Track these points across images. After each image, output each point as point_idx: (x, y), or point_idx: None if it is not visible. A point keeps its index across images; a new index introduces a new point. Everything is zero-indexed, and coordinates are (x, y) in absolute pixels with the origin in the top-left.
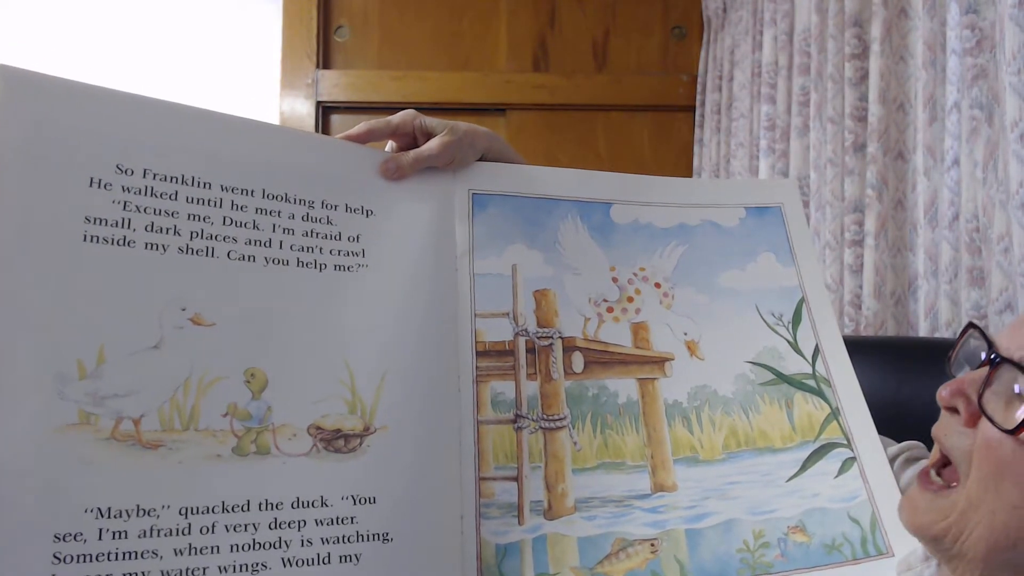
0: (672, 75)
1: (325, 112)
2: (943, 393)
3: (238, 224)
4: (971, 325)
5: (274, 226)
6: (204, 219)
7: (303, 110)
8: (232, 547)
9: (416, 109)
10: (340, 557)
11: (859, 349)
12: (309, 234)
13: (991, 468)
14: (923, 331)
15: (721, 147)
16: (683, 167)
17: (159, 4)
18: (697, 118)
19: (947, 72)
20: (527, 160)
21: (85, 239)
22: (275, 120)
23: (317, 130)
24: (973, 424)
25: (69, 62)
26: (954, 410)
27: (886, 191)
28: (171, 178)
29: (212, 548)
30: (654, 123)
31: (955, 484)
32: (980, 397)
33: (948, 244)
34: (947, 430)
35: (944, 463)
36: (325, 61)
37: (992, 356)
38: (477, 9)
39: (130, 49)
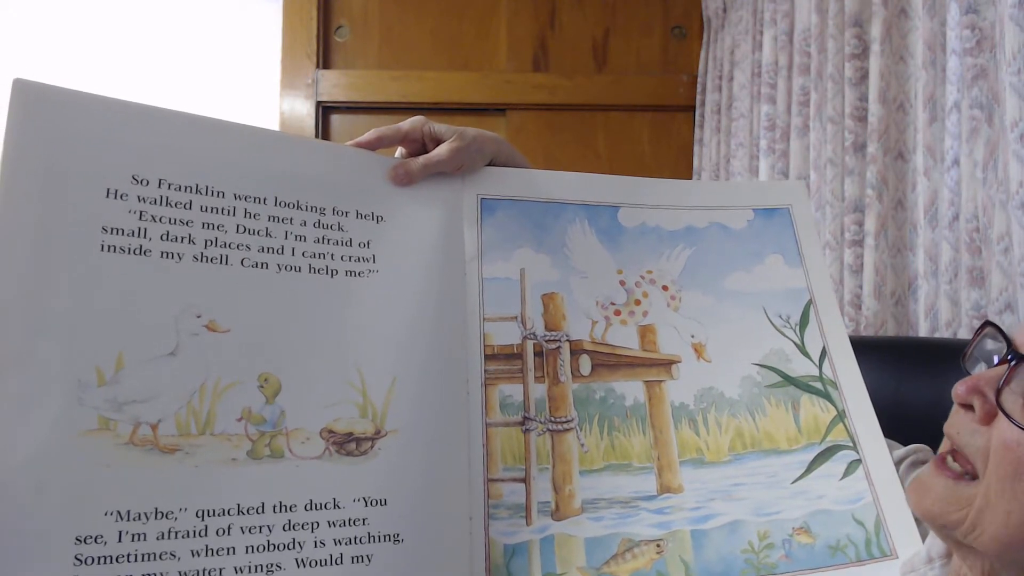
0: (672, 75)
1: (325, 112)
2: (959, 389)
3: (251, 232)
4: (988, 323)
5: (286, 233)
6: (218, 227)
7: (303, 110)
8: (247, 548)
9: (416, 109)
10: (352, 558)
11: (859, 349)
12: (321, 240)
13: (1010, 468)
14: (923, 331)
15: (721, 147)
16: (683, 167)
17: (160, 4)
18: (697, 118)
19: (947, 72)
20: (527, 160)
21: (102, 248)
22: (275, 120)
23: (317, 130)
24: (988, 422)
25: (70, 63)
26: (968, 407)
27: (886, 191)
28: (185, 187)
29: (228, 549)
30: (654, 123)
31: (970, 470)
32: (998, 395)
33: (948, 244)
34: (960, 427)
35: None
36: (325, 61)
37: (1010, 355)
38: (477, 9)
39: (131, 49)
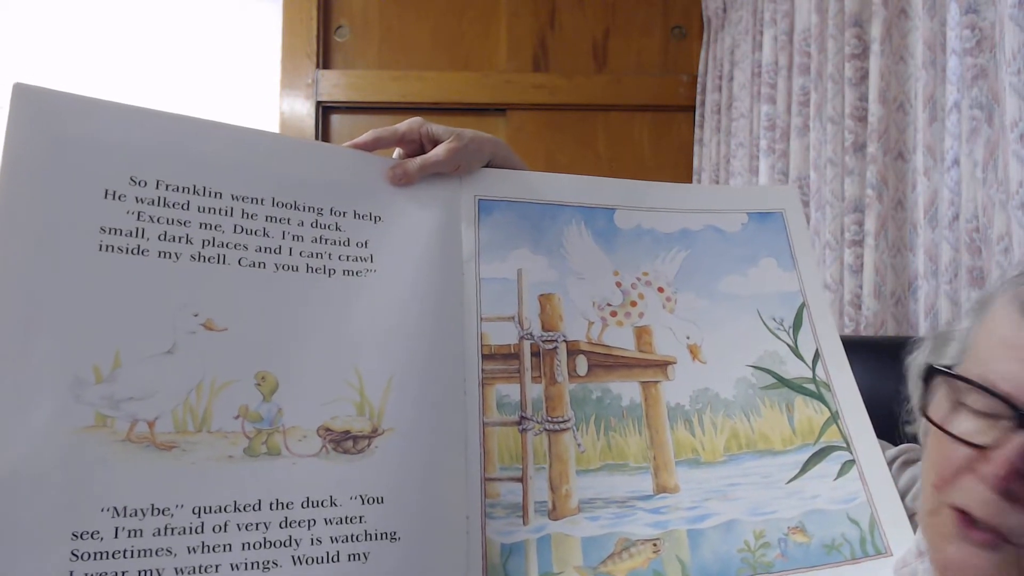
0: (672, 75)
1: (325, 112)
2: (999, 474)
3: (248, 232)
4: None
5: (284, 233)
6: (215, 227)
7: (303, 110)
8: (244, 545)
9: (416, 109)
10: (349, 556)
11: (859, 349)
12: (318, 240)
13: None
14: (923, 331)
15: (721, 147)
16: (683, 167)
17: (160, 4)
18: (697, 118)
19: (947, 72)
20: (528, 160)
21: (100, 248)
22: (275, 120)
23: (317, 130)
24: None
25: (70, 63)
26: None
27: (886, 191)
28: (183, 188)
29: (224, 546)
30: (654, 123)
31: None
32: None
33: (948, 244)
34: (999, 509)
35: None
36: (325, 61)
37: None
38: (477, 9)
39: (131, 50)
